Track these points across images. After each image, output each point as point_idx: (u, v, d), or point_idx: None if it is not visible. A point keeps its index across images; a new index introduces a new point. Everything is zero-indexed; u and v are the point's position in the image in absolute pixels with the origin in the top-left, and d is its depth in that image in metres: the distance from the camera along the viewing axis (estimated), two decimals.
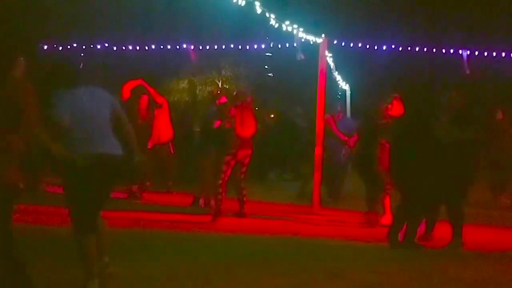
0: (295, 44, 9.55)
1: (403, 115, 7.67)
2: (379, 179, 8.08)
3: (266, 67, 22.58)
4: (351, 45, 12.99)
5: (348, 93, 18.37)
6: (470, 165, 6.71)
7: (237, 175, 8.61)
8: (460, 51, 12.74)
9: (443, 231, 7.07)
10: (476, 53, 12.83)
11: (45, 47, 14.12)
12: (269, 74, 22.26)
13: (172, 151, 10.74)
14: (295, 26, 9.13)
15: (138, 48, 13.95)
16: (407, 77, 20.55)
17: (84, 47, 14.23)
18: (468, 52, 12.55)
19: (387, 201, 8.31)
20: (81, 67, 4.80)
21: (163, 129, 10.52)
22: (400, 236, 6.73)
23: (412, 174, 6.64)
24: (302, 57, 9.38)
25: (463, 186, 6.76)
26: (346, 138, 10.36)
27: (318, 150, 9.36)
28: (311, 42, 9.52)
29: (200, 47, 13.66)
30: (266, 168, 13.93)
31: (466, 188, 6.80)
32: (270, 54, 19.19)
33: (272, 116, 17.59)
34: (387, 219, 8.36)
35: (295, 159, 13.04)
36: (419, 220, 6.85)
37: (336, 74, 16.12)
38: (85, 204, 4.50)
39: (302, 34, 9.28)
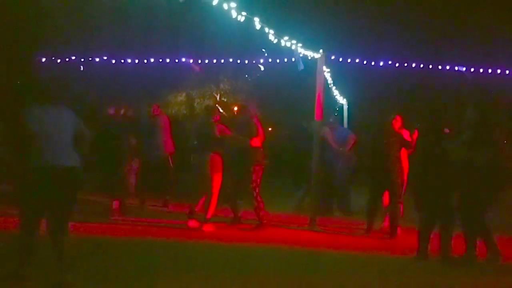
0: (293, 59, 9.61)
1: (420, 136, 7.75)
2: (396, 188, 8.27)
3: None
4: (349, 60, 13.11)
5: (345, 107, 18.48)
6: (487, 185, 6.63)
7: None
8: (457, 68, 12.86)
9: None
10: (472, 69, 12.96)
11: (43, 59, 14.16)
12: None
13: (172, 165, 10.77)
14: (294, 41, 9.19)
15: (137, 61, 14.00)
16: (405, 93, 20.68)
17: (82, 59, 14.30)
18: (465, 69, 12.67)
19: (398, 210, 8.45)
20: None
21: (162, 144, 10.58)
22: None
23: (434, 193, 6.79)
24: (303, 67, 9.46)
25: (481, 204, 6.71)
26: (340, 149, 10.46)
27: (316, 162, 9.38)
28: (309, 57, 9.59)
29: (199, 61, 13.71)
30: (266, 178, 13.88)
31: (484, 205, 6.74)
32: (261, 66, 19.25)
33: (270, 129, 17.66)
34: (386, 227, 8.56)
35: (297, 170, 13.03)
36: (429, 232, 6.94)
37: (334, 88, 16.19)
38: (34, 210, 5.03)
39: (300, 50, 9.34)
